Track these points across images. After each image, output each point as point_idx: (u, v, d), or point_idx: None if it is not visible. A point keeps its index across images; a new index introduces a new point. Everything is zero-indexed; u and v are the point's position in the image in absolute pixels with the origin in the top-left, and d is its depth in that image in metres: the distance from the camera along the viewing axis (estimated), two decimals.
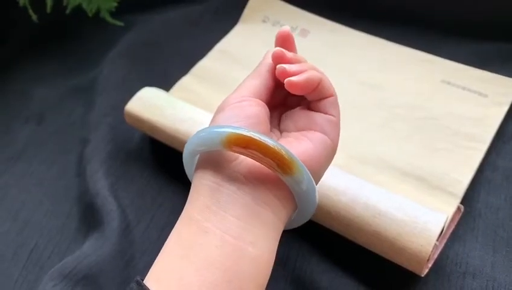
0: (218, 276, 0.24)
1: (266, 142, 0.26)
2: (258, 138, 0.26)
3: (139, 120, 0.47)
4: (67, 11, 0.61)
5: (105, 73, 0.57)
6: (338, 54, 0.52)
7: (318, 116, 0.30)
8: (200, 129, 0.28)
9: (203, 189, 0.27)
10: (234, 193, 0.26)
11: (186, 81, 0.54)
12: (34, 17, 0.60)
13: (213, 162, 0.28)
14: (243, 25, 0.59)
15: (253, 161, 0.27)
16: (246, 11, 0.60)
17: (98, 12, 0.63)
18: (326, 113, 0.31)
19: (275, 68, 0.30)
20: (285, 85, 0.29)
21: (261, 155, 0.26)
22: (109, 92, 0.55)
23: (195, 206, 0.27)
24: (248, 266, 0.25)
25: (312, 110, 0.31)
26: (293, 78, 0.29)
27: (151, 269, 0.26)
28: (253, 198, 0.27)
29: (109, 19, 0.63)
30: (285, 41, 0.31)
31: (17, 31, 0.68)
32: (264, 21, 0.59)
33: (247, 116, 0.28)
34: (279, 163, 0.26)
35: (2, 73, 0.63)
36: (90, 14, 0.62)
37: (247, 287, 0.25)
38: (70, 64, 0.63)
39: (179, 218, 0.28)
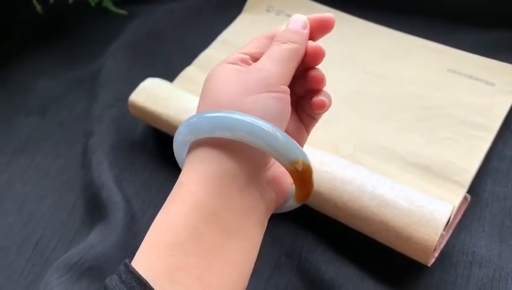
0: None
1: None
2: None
3: (142, 111, 0.47)
4: (70, 1, 0.61)
5: (108, 64, 0.57)
6: (343, 43, 0.51)
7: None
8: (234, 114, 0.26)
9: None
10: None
11: (189, 72, 0.54)
12: (39, 8, 0.60)
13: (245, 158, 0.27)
14: (246, 15, 0.59)
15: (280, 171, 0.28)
16: (250, 1, 0.60)
17: (100, 2, 0.63)
18: None
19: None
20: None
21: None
22: (113, 84, 0.55)
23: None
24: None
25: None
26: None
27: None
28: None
29: (112, 8, 0.63)
30: (323, 27, 0.30)
31: (20, 24, 0.68)
32: (268, 10, 0.58)
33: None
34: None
35: (5, 66, 0.63)
36: (92, 4, 0.61)
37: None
38: (74, 56, 0.63)
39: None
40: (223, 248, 0.25)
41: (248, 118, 0.25)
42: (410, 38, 0.52)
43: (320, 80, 0.30)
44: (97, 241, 0.40)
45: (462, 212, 0.40)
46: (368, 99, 0.48)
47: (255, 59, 0.29)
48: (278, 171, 0.29)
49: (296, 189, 0.28)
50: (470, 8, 0.53)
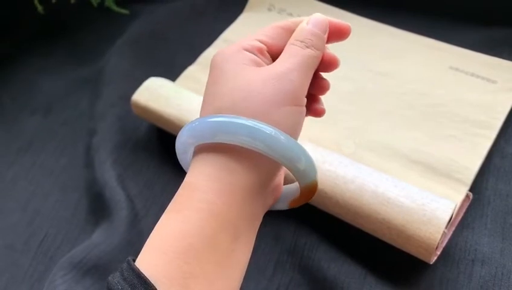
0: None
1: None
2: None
3: (145, 110, 0.47)
4: (72, 1, 0.61)
5: (111, 63, 0.57)
6: (345, 41, 0.51)
7: None
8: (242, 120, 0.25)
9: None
10: None
11: (192, 71, 0.54)
12: (40, 8, 0.60)
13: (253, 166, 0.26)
14: (248, 14, 0.59)
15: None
16: (252, 0, 0.60)
17: (102, 2, 0.63)
18: None
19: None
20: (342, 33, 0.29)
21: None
22: (116, 83, 0.55)
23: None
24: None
25: None
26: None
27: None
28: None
29: (114, 7, 0.63)
30: (340, 34, 0.30)
31: (24, 23, 0.68)
32: (269, 9, 0.58)
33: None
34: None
35: (9, 65, 0.64)
36: (95, 4, 0.62)
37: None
38: (77, 55, 0.63)
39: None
40: (233, 252, 0.25)
41: (268, 129, 0.24)
42: (412, 37, 0.52)
43: (326, 89, 0.30)
44: (101, 240, 0.41)
45: (464, 210, 0.40)
46: (370, 97, 0.48)
47: (271, 50, 0.28)
48: (279, 178, 0.29)
49: (299, 195, 0.28)
50: (471, 5, 0.53)
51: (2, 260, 0.43)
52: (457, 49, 0.49)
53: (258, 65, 0.27)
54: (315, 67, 0.28)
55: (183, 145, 0.27)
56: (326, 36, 0.29)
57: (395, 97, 0.47)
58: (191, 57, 0.55)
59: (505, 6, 0.52)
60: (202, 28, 0.61)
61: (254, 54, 0.27)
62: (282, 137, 0.25)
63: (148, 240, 0.25)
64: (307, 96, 0.29)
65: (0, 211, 0.47)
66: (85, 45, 0.64)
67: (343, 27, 0.29)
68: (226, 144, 0.25)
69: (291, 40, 0.28)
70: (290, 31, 0.28)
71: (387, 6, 0.56)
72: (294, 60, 0.27)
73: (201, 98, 0.46)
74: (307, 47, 0.27)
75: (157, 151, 0.49)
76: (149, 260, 0.24)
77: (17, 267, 0.43)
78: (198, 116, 0.27)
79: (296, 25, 0.29)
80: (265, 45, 0.28)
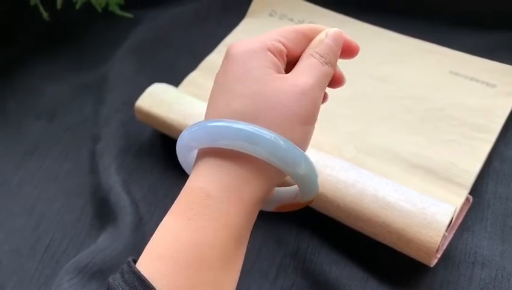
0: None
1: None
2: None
3: (149, 116, 0.48)
4: (77, 7, 0.62)
5: (115, 69, 0.58)
6: None
7: None
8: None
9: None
10: None
11: (194, 76, 0.55)
12: (45, 15, 0.61)
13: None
14: (249, 19, 0.60)
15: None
16: (253, 5, 0.60)
17: (106, 7, 0.64)
18: None
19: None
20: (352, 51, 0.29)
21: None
22: (119, 88, 0.55)
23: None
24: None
25: None
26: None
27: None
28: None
29: (118, 12, 0.64)
30: (348, 52, 0.30)
31: (28, 29, 0.69)
32: (271, 15, 0.59)
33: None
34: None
35: (14, 70, 0.64)
36: (99, 9, 0.62)
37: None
38: (80, 61, 0.64)
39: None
40: (237, 256, 0.26)
41: (289, 145, 0.25)
42: (412, 41, 0.52)
43: (324, 101, 0.30)
44: (106, 244, 0.41)
45: (464, 213, 0.40)
46: (370, 101, 0.48)
47: (290, 54, 0.28)
48: None
49: (294, 204, 0.29)
50: (471, 10, 0.54)
51: (9, 264, 0.44)
52: (456, 54, 0.50)
53: (279, 71, 0.27)
54: (327, 84, 0.28)
55: (184, 148, 0.27)
56: (339, 52, 0.29)
57: (395, 101, 0.47)
58: (193, 63, 0.56)
59: (504, 10, 0.52)
60: (205, 33, 0.61)
61: (276, 57, 0.27)
62: (282, 142, 0.25)
63: (151, 243, 0.25)
64: None
65: (6, 216, 0.48)
66: (88, 51, 0.65)
67: (354, 46, 0.30)
68: (235, 151, 0.25)
69: (311, 50, 0.28)
70: (309, 39, 0.29)
71: (387, 11, 0.57)
72: (315, 75, 0.27)
73: (204, 104, 0.47)
74: (326, 63, 0.27)
75: (161, 156, 0.50)
76: (155, 268, 0.24)
77: (24, 272, 0.43)
78: (193, 123, 0.27)
79: (315, 32, 0.29)
80: (286, 48, 0.28)
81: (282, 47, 0.27)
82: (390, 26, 0.54)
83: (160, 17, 0.64)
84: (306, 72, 0.27)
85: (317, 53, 0.28)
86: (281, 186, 0.30)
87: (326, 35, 0.28)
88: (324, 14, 0.57)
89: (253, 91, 0.26)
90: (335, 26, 0.58)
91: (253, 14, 0.60)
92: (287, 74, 0.27)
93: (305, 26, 0.29)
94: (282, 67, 0.27)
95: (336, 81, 0.29)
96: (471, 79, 0.47)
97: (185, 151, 0.28)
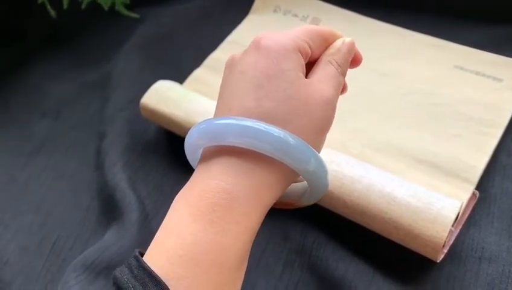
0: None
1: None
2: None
3: (154, 113, 0.48)
4: (83, 6, 0.62)
5: (119, 67, 0.58)
6: None
7: None
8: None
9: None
10: None
11: (199, 73, 0.55)
12: (53, 13, 0.61)
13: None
14: (254, 15, 0.59)
15: None
16: (257, 2, 0.60)
17: (112, 6, 0.64)
18: None
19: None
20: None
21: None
22: (124, 86, 0.56)
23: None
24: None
25: None
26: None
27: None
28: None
29: (124, 11, 0.64)
30: (354, 62, 0.31)
31: (33, 27, 0.69)
32: (275, 11, 0.59)
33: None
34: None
35: (19, 68, 0.64)
36: (106, 8, 0.62)
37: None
38: (85, 59, 0.64)
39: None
40: (248, 254, 0.26)
41: (266, 127, 0.24)
42: (416, 36, 0.52)
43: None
44: (112, 241, 0.41)
45: (470, 208, 0.40)
46: (375, 97, 0.48)
47: (311, 56, 0.28)
48: None
49: (299, 203, 0.30)
50: (476, 4, 0.54)
51: (16, 261, 0.44)
52: (462, 48, 0.50)
53: (304, 74, 0.27)
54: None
55: (193, 145, 0.27)
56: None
57: (400, 97, 0.47)
58: (199, 59, 0.56)
59: (509, 4, 0.52)
60: (209, 30, 0.61)
61: (303, 60, 0.27)
62: (292, 139, 0.25)
63: (163, 241, 0.24)
64: None
65: (13, 213, 0.48)
66: (93, 49, 0.65)
67: (359, 57, 0.31)
68: (254, 152, 0.25)
69: (329, 56, 0.28)
70: (327, 42, 0.29)
71: (392, 6, 0.57)
72: (333, 85, 0.27)
73: (209, 100, 0.47)
74: (342, 74, 0.28)
75: (166, 153, 0.50)
76: (174, 269, 0.23)
77: (31, 269, 0.44)
78: (206, 118, 0.27)
79: (334, 37, 0.29)
80: (311, 49, 0.28)
81: (309, 50, 0.28)
82: (394, 21, 0.54)
83: (164, 14, 0.64)
84: (326, 80, 0.27)
85: (335, 61, 0.28)
86: None
87: (343, 43, 0.29)
88: (329, 10, 0.57)
89: (287, 94, 0.25)
90: (339, 22, 0.58)
91: (257, 10, 0.60)
92: (310, 79, 0.27)
93: (326, 30, 0.29)
94: (304, 69, 0.28)
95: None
96: (477, 73, 0.47)
97: (193, 149, 0.28)
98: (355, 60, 0.31)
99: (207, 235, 0.24)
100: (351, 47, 0.29)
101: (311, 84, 0.27)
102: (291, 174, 0.26)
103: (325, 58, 0.28)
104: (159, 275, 0.23)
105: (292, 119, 0.25)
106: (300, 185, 0.31)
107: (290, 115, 0.25)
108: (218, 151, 0.26)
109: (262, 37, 0.27)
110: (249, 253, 0.26)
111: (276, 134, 0.24)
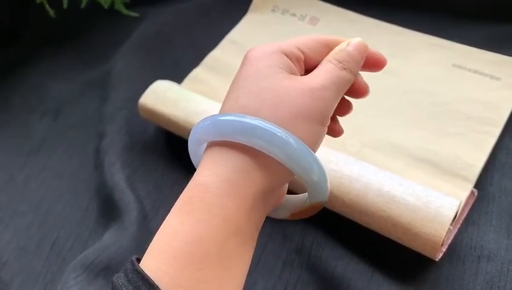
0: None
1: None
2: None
3: (152, 113, 0.48)
4: (82, 6, 0.62)
5: (118, 66, 0.58)
6: None
7: None
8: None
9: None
10: None
11: (197, 73, 0.55)
12: (52, 12, 0.61)
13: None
14: (252, 15, 0.59)
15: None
16: (255, 1, 0.60)
17: (112, 5, 0.64)
18: None
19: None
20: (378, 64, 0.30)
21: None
22: (123, 85, 0.56)
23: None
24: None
25: None
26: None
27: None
28: None
29: (124, 10, 0.64)
30: (375, 65, 0.30)
31: (32, 27, 0.69)
32: (273, 10, 0.59)
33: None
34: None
35: (19, 68, 0.65)
36: (105, 6, 0.62)
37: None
38: (84, 58, 0.64)
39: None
40: (240, 256, 0.25)
41: (300, 145, 0.25)
42: (415, 35, 0.52)
43: (348, 111, 0.30)
44: (112, 241, 0.41)
45: (469, 206, 0.40)
46: (374, 96, 0.47)
47: (307, 62, 0.28)
48: (283, 188, 0.30)
49: (304, 210, 0.29)
50: (474, 3, 0.54)
51: (16, 261, 0.44)
52: (460, 47, 0.50)
53: (293, 73, 0.27)
54: (345, 90, 0.28)
55: (196, 142, 0.27)
56: (362, 62, 0.29)
57: (399, 96, 0.47)
58: (197, 59, 0.56)
59: (508, 3, 0.52)
60: (207, 29, 0.61)
61: (291, 61, 0.27)
62: (293, 141, 0.25)
63: (154, 240, 0.25)
64: None
65: (13, 213, 0.48)
66: (92, 49, 0.65)
67: (380, 59, 0.30)
68: (241, 144, 0.25)
69: (330, 57, 0.28)
70: (329, 48, 0.29)
71: (390, 5, 0.57)
72: (329, 78, 0.27)
73: (207, 100, 0.47)
74: (344, 69, 0.27)
75: (165, 153, 0.50)
76: (156, 265, 0.23)
77: (31, 269, 0.44)
78: (204, 117, 0.27)
79: (337, 43, 0.29)
80: (304, 55, 0.28)
81: (300, 53, 0.27)
82: (393, 20, 0.54)
83: (163, 13, 0.64)
84: (320, 74, 0.27)
85: (335, 59, 0.28)
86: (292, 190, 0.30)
87: (348, 45, 0.28)
88: (327, 9, 0.57)
89: (260, 87, 0.26)
90: (337, 21, 0.58)
91: (255, 9, 0.60)
92: (296, 75, 0.27)
93: (328, 37, 0.29)
94: (297, 72, 0.27)
95: (357, 90, 0.29)
96: (475, 72, 0.47)
97: (196, 147, 0.28)
98: (376, 62, 0.30)
99: (184, 228, 0.24)
100: (358, 46, 0.28)
101: (295, 77, 0.26)
102: (276, 165, 0.25)
103: (325, 59, 0.28)
104: (152, 277, 0.23)
105: (265, 108, 0.25)
106: (298, 197, 0.30)
107: (263, 105, 0.25)
108: (206, 148, 0.27)
109: (250, 49, 0.28)
110: (239, 252, 0.25)
111: (247, 120, 0.25)
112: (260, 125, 0.24)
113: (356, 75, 0.28)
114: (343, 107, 0.30)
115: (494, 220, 0.40)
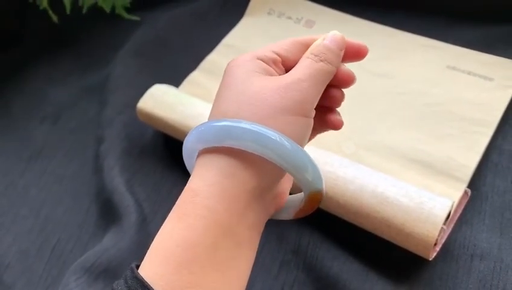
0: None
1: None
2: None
3: (150, 117, 0.49)
4: (84, 11, 0.62)
5: (117, 71, 0.58)
6: None
7: None
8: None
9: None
10: None
11: (195, 76, 0.55)
12: (55, 18, 0.62)
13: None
14: (248, 18, 0.60)
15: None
16: (251, 4, 0.61)
17: (113, 10, 0.64)
18: None
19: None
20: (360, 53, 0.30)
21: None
22: (121, 90, 0.56)
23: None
24: None
25: None
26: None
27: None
28: None
29: (125, 14, 0.64)
30: (357, 54, 0.30)
31: (31, 32, 0.70)
32: (269, 13, 0.59)
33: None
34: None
35: (18, 74, 0.65)
36: (107, 11, 0.63)
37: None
38: (82, 63, 0.65)
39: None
40: (235, 259, 0.25)
41: (276, 136, 0.25)
42: (408, 36, 0.53)
43: (340, 101, 0.30)
44: (111, 244, 0.42)
45: (462, 206, 0.41)
46: (368, 98, 0.49)
47: (286, 63, 0.29)
48: (282, 187, 0.30)
49: (303, 205, 0.29)
50: (466, 4, 0.54)
51: (18, 265, 0.45)
52: (454, 48, 0.50)
53: (270, 74, 0.27)
54: (327, 81, 0.28)
55: (189, 150, 0.28)
56: (342, 52, 0.29)
57: (393, 97, 0.48)
58: (195, 62, 0.56)
59: (500, 4, 0.52)
60: (204, 33, 0.62)
61: (267, 64, 0.28)
62: (287, 143, 0.25)
63: (151, 246, 0.25)
64: (322, 109, 0.30)
65: (14, 218, 0.49)
66: (90, 54, 0.66)
67: (361, 48, 0.30)
68: (228, 147, 0.25)
69: (306, 53, 0.28)
70: (306, 47, 0.29)
71: (384, 7, 0.57)
72: (305, 72, 0.27)
73: (204, 104, 0.47)
74: (321, 60, 0.28)
75: (163, 156, 0.51)
76: (153, 269, 0.24)
77: (32, 272, 0.44)
78: (201, 121, 0.27)
79: (313, 41, 0.29)
80: (281, 57, 0.28)
81: (275, 56, 0.28)
82: (387, 22, 0.54)
83: (160, 18, 0.64)
84: (297, 70, 0.27)
85: (311, 54, 0.28)
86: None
87: (323, 39, 0.29)
88: (322, 12, 0.58)
89: (238, 91, 0.27)
90: (333, 24, 0.58)
91: (251, 13, 0.60)
92: (271, 75, 0.27)
93: (304, 37, 0.29)
94: (275, 73, 0.28)
95: (343, 79, 0.29)
96: (469, 73, 0.48)
97: (189, 154, 0.28)
98: (356, 52, 0.30)
99: (175, 232, 0.24)
100: (334, 37, 0.29)
101: (270, 78, 0.27)
102: (264, 164, 0.26)
103: (303, 56, 0.29)
104: (147, 279, 0.23)
105: (242, 108, 0.26)
106: (298, 195, 0.31)
107: (241, 107, 0.26)
108: (198, 157, 0.27)
109: (230, 61, 0.29)
110: (233, 255, 0.25)
111: (273, 137, 0.25)
112: (232, 124, 0.25)
113: (337, 65, 0.29)
114: (333, 98, 0.30)
115: (487, 219, 0.40)
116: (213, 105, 0.28)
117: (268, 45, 0.29)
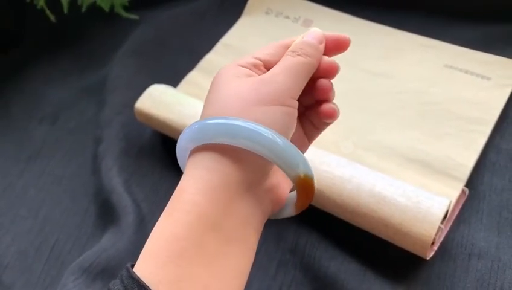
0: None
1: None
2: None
3: (148, 117, 0.49)
4: (83, 10, 0.62)
5: (115, 71, 0.58)
6: None
7: None
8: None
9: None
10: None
11: (192, 76, 0.55)
12: (52, 17, 0.62)
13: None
14: (246, 18, 0.60)
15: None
16: (249, 3, 0.61)
17: (111, 9, 0.64)
18: None
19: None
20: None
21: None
22: (120, 90, 0.56)
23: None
24: None
25: None
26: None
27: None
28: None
29: (124, 13, 0.64)
30: (339, 46, 0.31)
31: (30, 33, 0.70)
32: (267, 13, 0.59)
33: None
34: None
35: (16, 74, 0.65)
36: (106, 10, 0.63)
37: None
38: (81, 64, 0.65)
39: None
40: (225, 254, 0.25)
41: (249, 125, 0.25)
42: (406, 35, 0.52)
43: (328, 90, 0.30)
44: (110, 244, 0.42)
45: (460, 205, 0.41)
46: (366, 97, 0.49)
47: (268, 66, 0.29)
48: (276, 181, 0.30)
49: (297, 195, 0.29)
50: (464, 3, 0.54)
51: (17, 265, 0.45)
52: (451, 47, 0.50)
53: (251, 76, 0.28)
54: (307, 73, 0.29)
55: (181, 149, 0.29)
56: (322, 46, 0.30)
57: (391, 96, 0.48)
58: (193, 62, 0.56)
59: (497, 3, 0.52)
60: (202, 33, 0.62)
61: (248, 69, 0.29)
62: (260, 127, 0.26)
63: (144, 246, 0.26)
64: (317, 105, 0.31)
65: (13, 219, 0.49)
66: (89, 54, 0.66)
67: (342, 39, 0.30)
68: (213, 144, 0.26)
69: (286, 52, 0.29)
70: (287, 48, 0.30)
71: (382, 6, 0.57)
72: (281, 66, 0.28)
73: (202, 104, 0.47)
74: (298, 55, 0.28)
75: (161, 156, 0.51)
76: (145, 266, 0.24)
77: (31, 273, 0.45)
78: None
79: (293, 41, 0.30)
80: (262, 61, 0.29)
81: (256, 60, 0.29)
82: (385, 21, 0.54)
83: (158, 18, 0.64)
84: (276, 67, 0.28)
85: (289, 50, 0.29)
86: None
87: (302, 37, 0.30)
88: (320, 11, 0.58)
89: (220, 94, 0.28)
90: (330, 23, 0.58)
91: (249, 12, 0.60)
92: (251, 76, 0.28)
93: (284, 40, 0.30)
94: (256, 75, 0.29)
95: (326, 69, 0.30)
96: (466, 72, 0.48)
97: (182, 153, 0.29)
98: (339, 44, 0.30)
99: (165, 228, 0.25)
100: (311, 33, 0.30)
101: (248, 78, 0.28)
102: (249, 157, 0.26)
103: (283, 56, 0.30)
104: (142, 277, 0.24)
105: (222, 107, 0.27)
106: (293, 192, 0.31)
107: (221, 107, 0.27)
108: (188, 157, 0.28)
109: (216, 73, 0.30)
110: (223, 251, 0.25)
111: (266, 134, 0.26)
112: (210, 122, 0.26)
113: (316, 57, 0.29)
114: (323, 89, 0.30)
115: (484, 218, 0.40)
116: (201, 112, 0.29)
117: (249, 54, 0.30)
